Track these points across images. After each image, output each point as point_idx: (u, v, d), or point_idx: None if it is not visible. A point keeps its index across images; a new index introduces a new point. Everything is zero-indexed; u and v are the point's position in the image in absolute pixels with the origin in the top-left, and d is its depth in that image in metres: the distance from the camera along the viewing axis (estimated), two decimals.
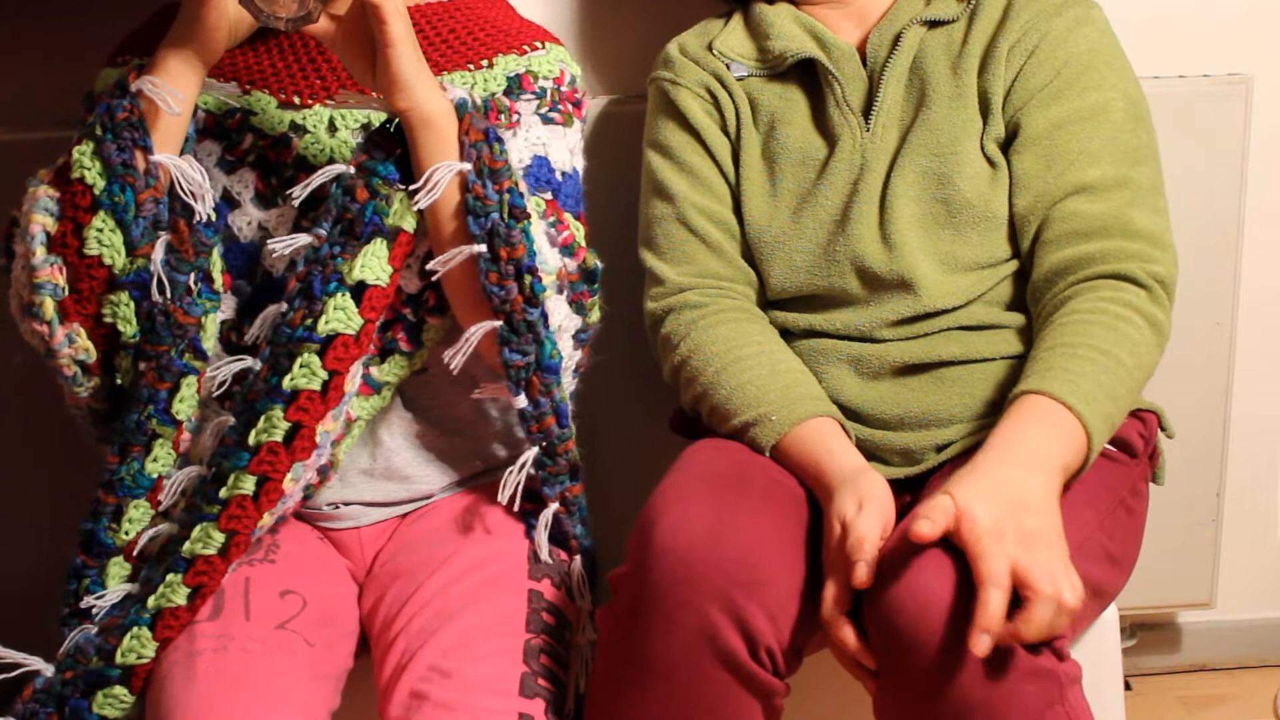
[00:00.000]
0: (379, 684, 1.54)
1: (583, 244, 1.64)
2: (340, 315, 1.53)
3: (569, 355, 1.62)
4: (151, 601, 1.52)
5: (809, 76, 1.69)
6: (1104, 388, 1.48)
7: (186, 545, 1.53)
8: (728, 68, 1.71)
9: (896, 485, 1.56)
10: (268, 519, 1.55)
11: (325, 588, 1.63)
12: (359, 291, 1.53)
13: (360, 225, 1.53)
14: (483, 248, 1.53)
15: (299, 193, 1.56)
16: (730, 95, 1.71)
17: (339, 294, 1.53)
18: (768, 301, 1.71)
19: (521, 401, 1.58)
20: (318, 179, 1.55)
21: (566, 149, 1.68)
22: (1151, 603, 2.14)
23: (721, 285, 1.68)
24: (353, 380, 1.55)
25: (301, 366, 1.53)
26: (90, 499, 1.61)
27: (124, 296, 1.54)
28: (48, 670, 1.54)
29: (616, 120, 1.93)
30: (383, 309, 1.55)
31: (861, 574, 1.40)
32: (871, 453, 1.61)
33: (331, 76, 1.65)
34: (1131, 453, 1.62)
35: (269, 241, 1.59)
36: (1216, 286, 2.05)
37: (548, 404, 1.58)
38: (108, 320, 1.55)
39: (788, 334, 1.68)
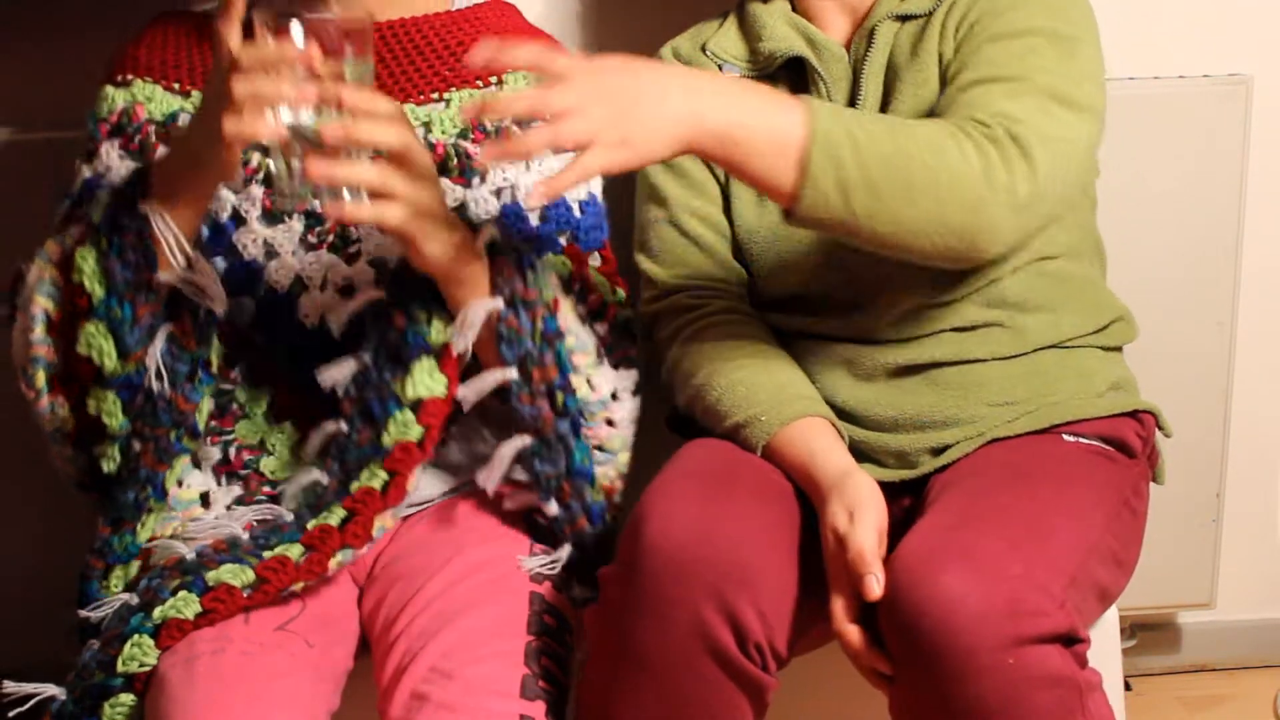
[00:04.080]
0: (379, 685, 1.54)
1: (611, 300, 1.66)
2: (402, 429, 1.57)
3: (630, 411, 1.64)
4: (158, 613, 1.51)
5: (798, 76, 1.69)
6: (861, 120, 1.45)
7: (213, 573, 1.53)
8: (720, 69, 1.71)
9: (894, 488, 1.56)
10: (300, 585, 1.55)
11: (325, 589, 1.62)
12: (417, 405, 1.56)
13: (405, 350, 1.56)
14: (514, 373, 1.55)
15: (337, 329, 1.59)
16: None
17: (398, 412, 1.57)
18: (761, 303, 1.71)
19: (554, 509, 1.61)
20: (351, 308, 1.58)
21: None
22: (1151, 603, 2.14)
23: (714, 287, 1.68)
24: (413, 482, 1.58)
25: (366, 472, 1.57)
26: (82, 560, 1.63)
27: (111, 395, 1.55)
28: (60, 694, 1.53)
29: None
30: (444, 416, 1.58)
31: (872, 588, 1.40)
32: (866, 455, 1.61)
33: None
34: (1130, 453, 1.62)
35: (319, 372, 1.59)
36: (1216, 286, 2.05)
37: (579, 507, 1.61)
38: (93, 413, 1.56)
39: (781, 336, 1.68)
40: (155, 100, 1.66)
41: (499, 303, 1.54)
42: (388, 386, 1.57)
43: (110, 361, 1.53)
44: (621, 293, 1.70)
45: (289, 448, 1.67)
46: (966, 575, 1.35)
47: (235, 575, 1.52)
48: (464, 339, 1.54)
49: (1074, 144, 1.52)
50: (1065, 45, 1.57)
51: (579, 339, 1.60)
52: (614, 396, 1.65)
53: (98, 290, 1.51)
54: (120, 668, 1.50)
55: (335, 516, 1.56)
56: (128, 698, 1.50)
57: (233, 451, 1.67)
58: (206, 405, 1.61)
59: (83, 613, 1.58)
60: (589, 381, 1.61)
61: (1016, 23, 1.58)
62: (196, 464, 1.65)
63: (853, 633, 1.43)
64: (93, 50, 1.77)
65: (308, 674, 1.52)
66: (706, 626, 1.42)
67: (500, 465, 1.58)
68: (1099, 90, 1.58)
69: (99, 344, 1.52)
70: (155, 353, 1.54)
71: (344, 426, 1.59)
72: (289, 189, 1.43)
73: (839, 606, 1.44)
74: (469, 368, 1.59)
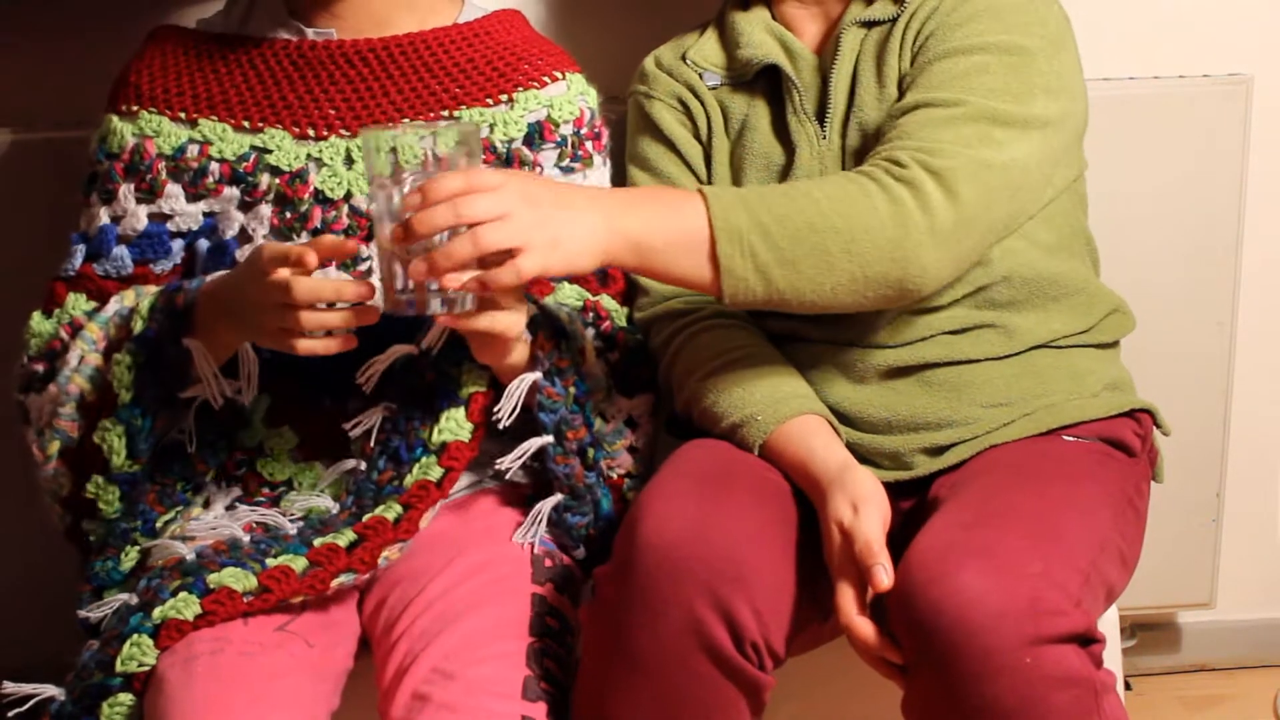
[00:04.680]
0: (380, 686, 1.54)
1: (621, 325, 1.69)
2: (424, 470, 1.59)
3: (651, 433, 1.69)
4: (157, 613, 1.51)
5: (774, 83, 1.70)
6: (765, 200, 1.48)
7: (214, 575, 1.53)
8: (700, 77, 1.72)
9: (893, 491, 1.56)
10: (300, 599, 1.56)
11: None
12: (441, 448, 1.59)
13: (435, 400, 1.59)
14: (550, 439, 1.58)
15: (367, 384, 1.58)
16: (702, 103, 1.72)
17: (425, 457, 1.59)
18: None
19: (581, 553, 1.63)
20: (381, 363, 1.58)
21: None
22: (1151, 603, 2.14)
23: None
24: (427, 519, 1.59)
25: (382, 506, 1.59)
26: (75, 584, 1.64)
27: (114, 488, 1.59)
28: (59, 694, 1.53)
29: (607, 121, 1.92)
30: (467, 460, 1.60)
31: (881, 578, 1.41)
32: (860, 456, 1.60)
33: (345, 108, 1.66)
34: (1130, 452, 1.62)
35: (346, 426, 1.62)
36: (1216, 286, 2.05)
37: (600, 547, 1.62)
38: (89, 495, 1.60)
39: (773, 339, 1.68)
40: (164, 134, 1.67)
41: (539, 375, 1.56)
42: (416, 433, 1.60)
43: (118, 459, 1.58)
44: (634, 338, 1.71)
45: (287, 451, 1.67)
46: (985, 573, 1.35)
47: (238, 580, 1.52)
48: (509, 414, 1.56)
49: (1013, 168, 1.54)
50: (1017, 59, 1.57)
51: (594, 379, 1.62)
52: (632, 424, 1.67)
53: (125, 395, 1.56)
54: (119, 667, 1.50)
55: (344, 539, 1.56)
56: (126, 697, 1.50)
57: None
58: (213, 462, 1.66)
59: (82, 613, 1.58)
60: (602, 414, 1.64)
61: (969, 38, 1.58)
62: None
63: (863, 625, 1.43)
64: (93, 50, 1.77)
65: (308, 674, 1.52)
66: (701, 625, 1.42)
67: (539, 522, 1.61)
68: (1058, 99, 1.58)
69: (111, 441, 1.57)
70: (189, 416, 1.60)
71: (362, 465, 1.62)
72: (401, 295, 1.42)
73: (846, 599, 1.44)
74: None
